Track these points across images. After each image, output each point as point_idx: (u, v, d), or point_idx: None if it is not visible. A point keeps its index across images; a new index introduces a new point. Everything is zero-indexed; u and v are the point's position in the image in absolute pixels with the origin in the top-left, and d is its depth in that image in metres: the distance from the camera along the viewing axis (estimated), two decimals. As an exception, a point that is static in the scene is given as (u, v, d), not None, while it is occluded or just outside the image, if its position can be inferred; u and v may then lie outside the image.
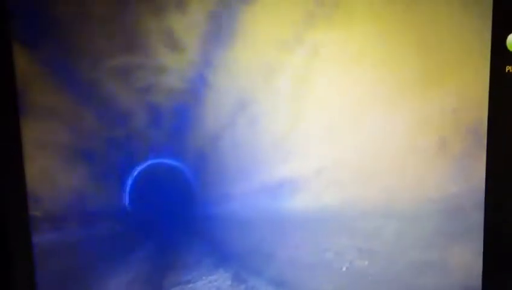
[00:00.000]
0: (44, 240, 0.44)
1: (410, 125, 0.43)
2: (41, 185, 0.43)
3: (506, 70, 0.41)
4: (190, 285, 0.46)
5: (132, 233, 0.44)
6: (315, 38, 0.42)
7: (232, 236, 0.46)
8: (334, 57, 0.42)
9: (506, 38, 0.41)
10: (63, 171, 0.43)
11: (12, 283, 0.44)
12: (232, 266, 0.46)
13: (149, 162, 0.44)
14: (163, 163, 0.44)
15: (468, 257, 0.45)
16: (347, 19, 0.41)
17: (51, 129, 0.43)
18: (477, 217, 0.44)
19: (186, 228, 0.45)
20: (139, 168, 0.44)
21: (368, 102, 0.43)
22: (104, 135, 0.43)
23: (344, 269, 0.46)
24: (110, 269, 0.45)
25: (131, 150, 0.44)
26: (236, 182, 0.45)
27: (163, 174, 0.44)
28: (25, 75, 0.42)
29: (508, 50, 0.41)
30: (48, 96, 0.42)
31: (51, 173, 0.43)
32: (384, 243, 0.45)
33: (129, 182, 0.44)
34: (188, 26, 0.42)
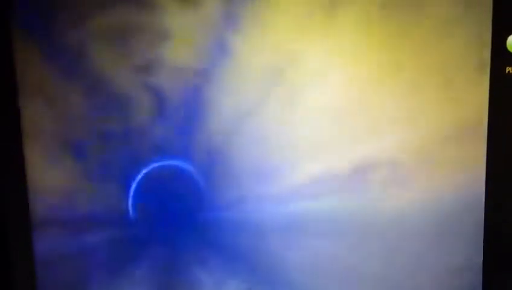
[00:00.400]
0: (46, 243, 0.44)
1: (409, 128, 0.43)
2: (42, 187, 0.43)
3: (507, 72, 0.41)
4: None
5: (136, 238, 0.43)
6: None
7: (255, 246, 0.43)
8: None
9: (506, 39, 0.41)
10: (64, 171, 0.43)
11: (13, 284, 0.44)
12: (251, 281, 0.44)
13: (153, 165, 0.39)
14: (171, 166, 0.39)
15: (467, 256, 0.45)
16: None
17: (52, 128, 0.42)
18: (477, 218, 0.44)
19: (196, 236, 0.43)
20: (141, 172, 0.40)
21: (366, 101, 0.43)
22: (104, 133, 0.41)
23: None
24: (112, 276, 0.45)
25: (133, 149, 0.41)
26: (260, 184, 0.40)
27: (171, 178, 0.40)
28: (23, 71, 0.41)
29: (508, 51, 0.41)
30: (48, 89, 0.41)
31: (51, 173, 0.43)
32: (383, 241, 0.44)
33: (132, 186, 0.41)
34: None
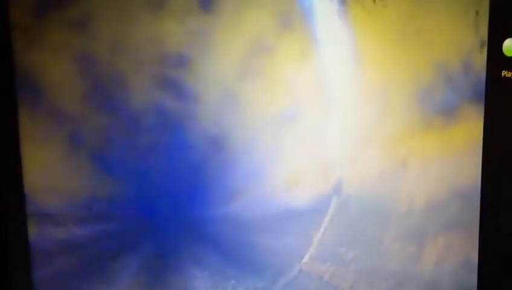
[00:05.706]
0: (42, 240, 0.43)
1: (406, 132, 0.43)
2: (39, 183, 0.43)
3: (503, 75, 0.41)
4: None
5: (131, 233, 0.43)
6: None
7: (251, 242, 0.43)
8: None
9: (502, 43, 0.41)
10: (62, 167, 0.42)
11: (10, 285, 0.43)
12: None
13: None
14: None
15: (464, 256, 0.45)
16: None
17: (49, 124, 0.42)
18: (473, 220, 0.44)
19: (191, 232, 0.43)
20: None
21: (363, 109, 0.43)
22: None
23: None
24: (106, 272, 0.44)
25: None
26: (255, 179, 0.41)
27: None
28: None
29: (505, 55, 0.41)
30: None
31: (48, 170, 0.42)
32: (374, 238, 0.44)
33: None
34: None
